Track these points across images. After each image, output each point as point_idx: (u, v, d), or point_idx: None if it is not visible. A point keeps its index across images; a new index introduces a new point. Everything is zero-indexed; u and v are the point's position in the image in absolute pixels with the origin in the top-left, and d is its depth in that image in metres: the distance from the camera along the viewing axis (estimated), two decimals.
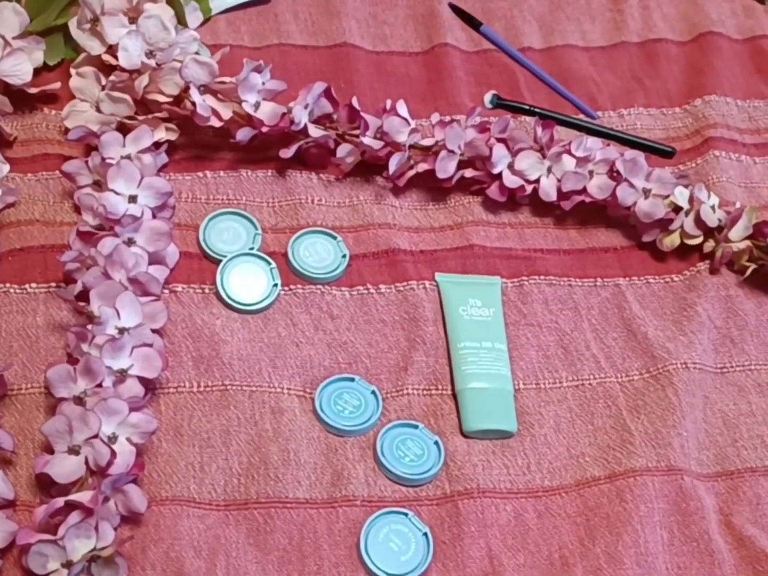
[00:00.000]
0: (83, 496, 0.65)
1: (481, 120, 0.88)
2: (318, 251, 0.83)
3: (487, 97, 0.96)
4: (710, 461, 0.77)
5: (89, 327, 0.72)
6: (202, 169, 0.86)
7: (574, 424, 0.77)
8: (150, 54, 0.85)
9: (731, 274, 0.87)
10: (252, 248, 0.82)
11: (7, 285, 0.78)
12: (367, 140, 0.85)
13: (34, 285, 0.78)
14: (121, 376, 0.70)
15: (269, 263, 0.81)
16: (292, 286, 0.81)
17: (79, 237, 0.77)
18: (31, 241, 0.80)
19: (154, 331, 0.73)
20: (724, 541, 0.73)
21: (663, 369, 0.80)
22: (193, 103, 0.84)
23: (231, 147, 0.87)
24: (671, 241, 0.87)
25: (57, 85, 0.87)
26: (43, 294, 0.78)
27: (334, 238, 0.84)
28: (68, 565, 0.63)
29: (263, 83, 0.85)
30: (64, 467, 0.67)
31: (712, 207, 0.86)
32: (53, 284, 0.78)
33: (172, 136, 0.86)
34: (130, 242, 0.76)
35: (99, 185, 0.80)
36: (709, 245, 0.87)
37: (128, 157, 0.80)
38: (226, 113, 0.85)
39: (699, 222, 0.86)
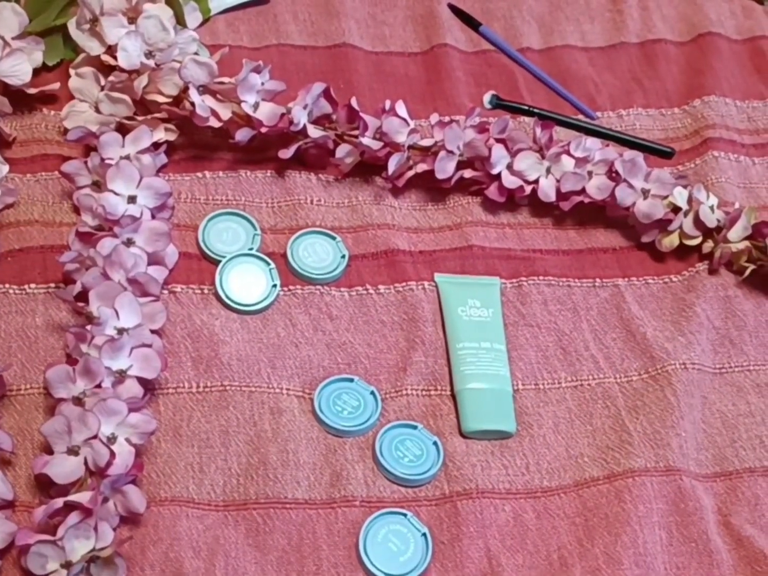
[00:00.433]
0: (82, 497, 0.65)
1: (480, 120, 0.88)
2: (317, 252, 0.83)
3: (486, 98, 0.96)
4: (709, 462, 0.77)
5: (88, 327, 0.72)
6: (201, 169, 0.86)
7: (572, 424, 0.78)
8: (149, 54, 0.85)
9: (730, 274, 0.87)
10: (251, 249, 0.82)
11: (7, 285, 0.78)
12: (366, 141, 0.85)
13: (33, 285, 0.78)
14: (120, 376, 0.71)
15: (268, 264, 0.81)
16: (291, 287, 0.81)
17: (78, 237, 0.77)
18: (31, 242, 0.80)
19: (153, 331, 0.73)
20: (723, 542, 0.73)
21: (662, 369, 0.80)
22: (192, 104, 0.84)
23: (230, 147, 0.87)
24: (670, 241, 0.87)
25: (56, 85, 0.87)
26: (42, 294, 0.78)
27: (333, 238, 0.84)
28: (67, 565, 0.63)
29: (262, 84, 0.85)
30: (63, 468, 0.67)
31: (711, 207, 0.86)
32: (52, 285, 0.78)
33: (171, 137, 0.86)
34: (129, 243, 0.76)
35: (98, 186, 0.80)
36: (708, 246, 0.87)
37: (127, 157, 0.80)
38: (225, 114, 0.85)
39: (698, 222, 0.86)
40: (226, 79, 0.85)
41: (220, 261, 0.81)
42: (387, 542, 0.70)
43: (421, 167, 0.87)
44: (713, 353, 0.82)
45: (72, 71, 0.87)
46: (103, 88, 0.85)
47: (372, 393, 0.76)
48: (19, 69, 0.85)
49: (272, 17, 0.99)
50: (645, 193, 0.86)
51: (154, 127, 0.84)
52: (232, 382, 0.75)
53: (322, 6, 1.00)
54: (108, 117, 0.85)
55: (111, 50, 0.85)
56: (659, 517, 0.73)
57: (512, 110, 0.95)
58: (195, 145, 0.88)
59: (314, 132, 0.85)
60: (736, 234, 0.85)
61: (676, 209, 0.86)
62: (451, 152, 0.86)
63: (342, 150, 0.86)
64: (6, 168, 0.83)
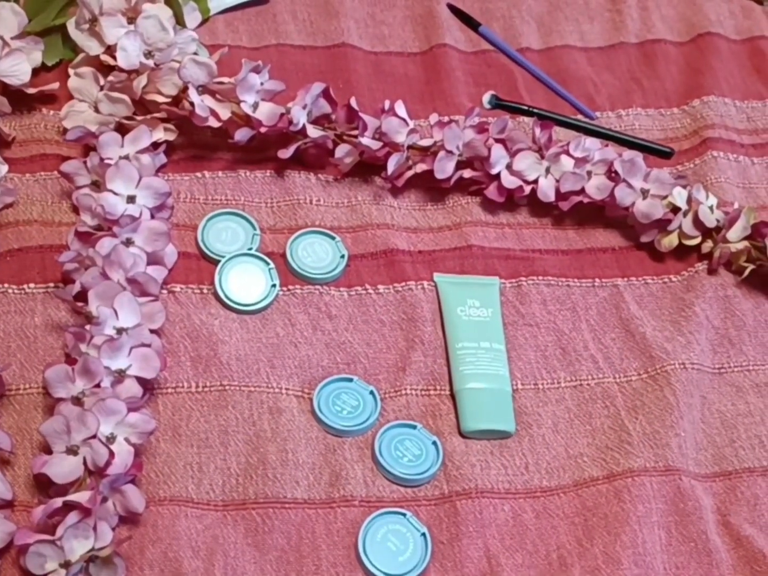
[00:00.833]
0: (81, 497, 0.65)
1: (480, 120, 0.88)
2: (316, 251, 0.83)
3: (486, 98, 0.96)
4: (708, 461, 0.77)
5: (87, 327, 0.72)
6: (201, 169, 0.86)
7: (572, 424, 0.78)
8: (148, 54, 0.85)
9: (729, 274, 0.87)
10: (250, 248, 0.82)
11: (6, 285, 0.78)
12: (366, 140, 0.85)
13: (32, 285, 0.78)
14: (120, 376, 0.70)
15: (267, 263, 0.81)
16: (290, 287, 0.81)
17: (77, 237, 0.77)
18: (30, 242, 0.80)
19: (152, 331, 0.73)
20: (722, 541, 0.73)
21: (661, 369, 0.80)
22: (192, 104, 0.84)
23: (229, 147, 0.87)
24: (669, 241, 0.87)
25: (55, 85, 0.87)
26: (41, 294, 0.78)
27: (333, 238, 0.84)
28: (66, 565, 0.63)
29: (262, 83, 0.85)
30: (62, 467, 0.67)
31: (711, 207, 0.86)
32: (51, 284, 0.78)
33: (171, 137, 0.86)
34: (128, 242, 0.76)
35: (97, 185, 0.80)
36: (708, 246, 0.87)
37: (126, 157, 0.80)
38: (225, 113, 0.85)
39: (697, 222, 0.86)
40: (225, 79, 0.85)
41: (219, 261, 0.81)
42: (386, 542, 0.70)
43: (421, 167, 0.87)
44: (712, 353, 0.82)
45: (71, 71, 0.87)
46: (102, 88, 0.85)
47: (371, 393, 0.76)
48: (18, 69, 0.85)
49: (271, 17, 0.99)
50: (644, 193, 0.86)
51: (153, 126, 0.84)
52: (231, 382, 0.75)
53: (322, 6, 1.00)
54: (107, 117, 0.85)
55: (110, 50, 0.85)
56: (658, 517, 0.73)
57: (511, 110, 0.95)
58: (194, 145, 0.88)
59: (313, 132, 0.85)
60: (736, 234, 0.85)
61: (675, 209, 0.86)
62: (450, 152, 0.86)
63: (341, 150, 0.86)
64: (5, 168, 0.83)
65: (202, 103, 0.84)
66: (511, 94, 0.97)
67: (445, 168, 0.86)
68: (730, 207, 0.87)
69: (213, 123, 0.85)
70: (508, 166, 0.87)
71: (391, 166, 0.85)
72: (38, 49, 0.88)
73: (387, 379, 0.78)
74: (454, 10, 1.02)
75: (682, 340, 0.82)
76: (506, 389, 0.78)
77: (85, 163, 0.81)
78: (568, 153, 0.87)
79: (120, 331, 0.72)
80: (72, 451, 0.67)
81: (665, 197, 0.86)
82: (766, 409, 0.80)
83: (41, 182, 0.84)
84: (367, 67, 0.96)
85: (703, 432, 0.78)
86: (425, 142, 0.87)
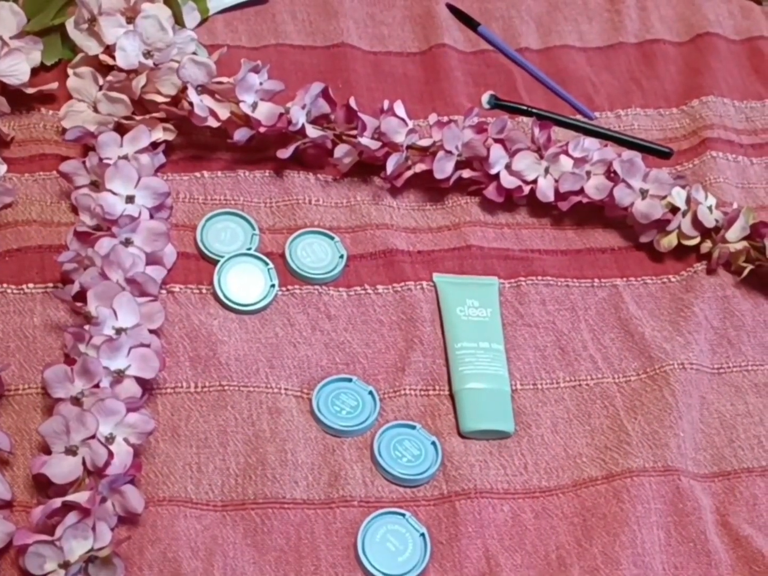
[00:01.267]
0: (80, 497, 0.65)
1: (479, 120, 0.88)
2: (315, 251, 0.83)
3: (485, 98, 0.96)
4: (707, 462, 0.77)
5: (86, 327, 0.72)
6: (200, 169, 0.86)
7: (571, 424, 0.78)
8: (147, 54, 0.85)
9: (728, 274, 0.87)
10: (249, 248, 0.82)
11: (5, 285, 0.77)
12: (365, 141, 0.85)
13: (31, 285, 0.78)
14: (119, 376, 0.70)
15: (267, 263, 0.81)
16: (289, 287, 0.81)
17: (76, 237, 0.77)
18: (29, 242, 0.80)
19: (151, 331, 0.73)
20: (721, 542, 0.73)
21: (660, 369, 0.80)
22: (191, 104, 0.84)
23: (228, 147, 0.87)
24: (668, 241, 0.87)
25: (54, 85, 0.87)
26: (40, 294, 0.78)
27: (332, 238, 0.84)
28: (65, 565, 0.63)
29: (261, 83, 0.85)
30: (61, 468, 0.67)
31: (710, 208, 0.86)
32: (50, 284, 0.78)
33: (170, 137, 0.86)
34: (127, 242, 0.76)
35: (96, 185, 0.80)
36: (707, 246, 0.87)
37: (125, 157, 0.80)
38: (224, 113, 0.85)
39: (696, 223, 0.86)
40: (224, 79, 0.85)
41: (218, 261, 0.81)
42: (385, 542, 0.70)
43: (420, 167, 0.87)
44: (711, 353, 0.82)
45: (70, 71, 0.87)
46: (101, 88, 0.85)
47: (370, 393, 0.76)
48: (17, 69, 0.85)
49: (271, 17, 0.99)
50: (643, 193, 0.86)
51: (152, 126, 0.84)
52: (230, 382, 0.75)
53: (321, 6, 1.00)
54: (106, 117, 0.85)
55: (109, 50, 0.85)
56: (657, 517, 0.73)
57: (510, 110, 0.95)
58: (193, 145, 0.88)
59: (313, 132, 0.85)
60: (735, 234, 0.85)
61: (674, 209, 0.86)
62: (449, 152, 0.86)
63: (340, 150, 0.86)
64: (4, 168, 0.83)
65: (201, 103, 0.84)
66: (510, 94, 0.97)
67: (444, 168, 0.86)
68: (729, 207, 0.87)
69: (212, 123, 0.85)
70: (507, 166, 0.87)
71: (390, 166, 0.85)
72: (37, 48, 0.88)
73: (386, 380, 0.78)
74: (453, 10, 1.02)
75: (681, 341, 0.82)
76: (505, 389, 0.78)
77: (84, 163, 0.81)
78: (567, 153, 0.87)
79: (119, 331, 0.72)
80: (71, 451, 0.67)
81: (664, 197, 0.86)
82: (765, 410, 0.80)
83: (40, 182, 0.84)
84: (367, 67, 0.96)
85: (702, 432, 0.78)
86: (424, 142, 0.87)
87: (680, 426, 0.77)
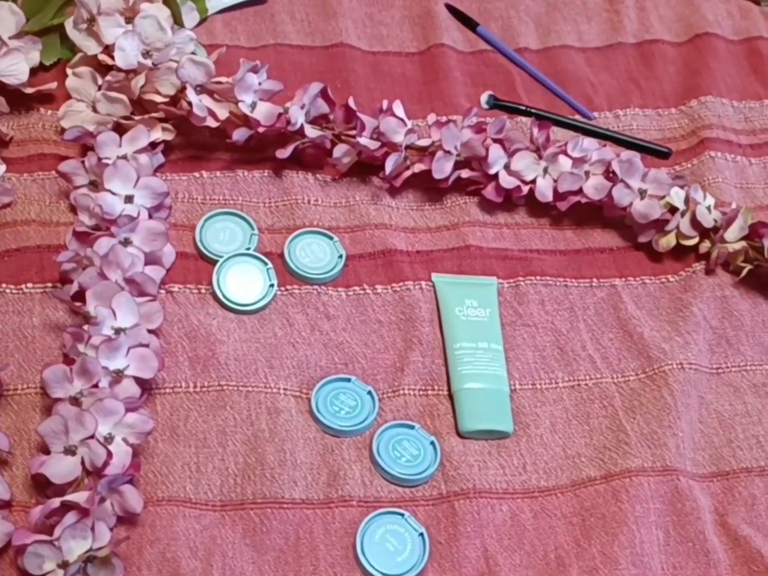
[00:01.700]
0: (79, 497, 0.65)
1: (478, 120, 0.88)
2: (314, 251, 0.83)
3: (484, 98, 0.96)
4: (706, 461, 0.77)
5: (85, 327, 0.72)
6: (199, 169, 0.86)
7: (570, 424, 0.78)
8: (146, 54, 0.85)
9: (727, 274, 0.87)
10: (248, 248, 0.82)
11: (3, 285, 0.77)
12: (364, 141, 0.85)
13: (30, 285, 0.78)
14: (117, 376, 0.70)
15: (265, 263, 0.81)
16: (288, 287, 0.81)
17: (75, 237, 0.77)
18: (28, 242, 0.80)
19: (150, 331, 0.73)
20: (720, 542, 0.73)
21: (659, 369, 0.80)
22: (190, 104, 0.84)
23: (227, 147, 0.87)
24: (667, 241, 0.87)
25: (53, 85, 0.87)
26: (39, 294, 0.78)
27: (331, 238, 0.84)
28: (64, 565, 0.63)
29: (260, 83, 0.85)
30: (60, 468, 0.67)
31: (708, 208, 0.86)
32: (49, 284, 0.78)
33: (169, 137, 0.86)
34: (126, 242, 0.76)
35: (95, 185, 0.80)
36: (705, 246, 0.87)
37: (124, 157, 0.80)
38: (223, 113, 0.85)
39: (695, 223, 0.86)
40: (223, 79, 0.85)
41: (217, 261, 0.81)
42: (384, 542, 0.70)
43: (419, 167, 0.87)
44: (710, 353, 0.83)
45: (69, 71, 0.87)
46: (100, 88, 0.85)
47: (369, 393, 0.76)
48: (16, 68, 0.85)
49: (269, 17, 0.99)
50: (642, 193, 0.86)
51: (151, 126, 0.84)
52: (229, 382, 0.75)
53: (320, 6, 1.00)
54: (105, 116, 0.85)
55: (108, 50, 0.85)
56: (656, 517, 0.73)
57: (509, 110, 0.95)
58: (192, 145, 0.88)
59: (311, 132, 0.85)
60: (733, 234, 0.86)
61: (673, 209, 0.86)
62: (448, 152, 0.86)
63: (339, 150, 0.86)
64: (3, 167, 0.83)
65: (200, 103, 0.84)
66: (509, 94, 0.97)
67: (443, 168, 0.86)
68: (728, 207, 0.87)
69: (211, 123, 0.85)
70: (506, 166, 0.87)
71: (389, 166, 0.85)
72: (36, 48, 0.88)
73: (385, 379, 0.78)
74: (452, 10, 1.02)
75: (680, 341, 0.82)
76: (504, 389, 0.78)
77: (83, 162, 0.81)
78: (566, 153, 0.87)
79: (118, 331, 0.72)
80: (70, 451, 0.67)
81: (663, 197, 0.86)
82: (764, 409, 0.80)
83: (39, 182, 0.84)
84: (365, 67, 0.96)
85: (700, 432, 0.78)
86: (423, 142, 0.87)
87: (679, 426, 0.77)
